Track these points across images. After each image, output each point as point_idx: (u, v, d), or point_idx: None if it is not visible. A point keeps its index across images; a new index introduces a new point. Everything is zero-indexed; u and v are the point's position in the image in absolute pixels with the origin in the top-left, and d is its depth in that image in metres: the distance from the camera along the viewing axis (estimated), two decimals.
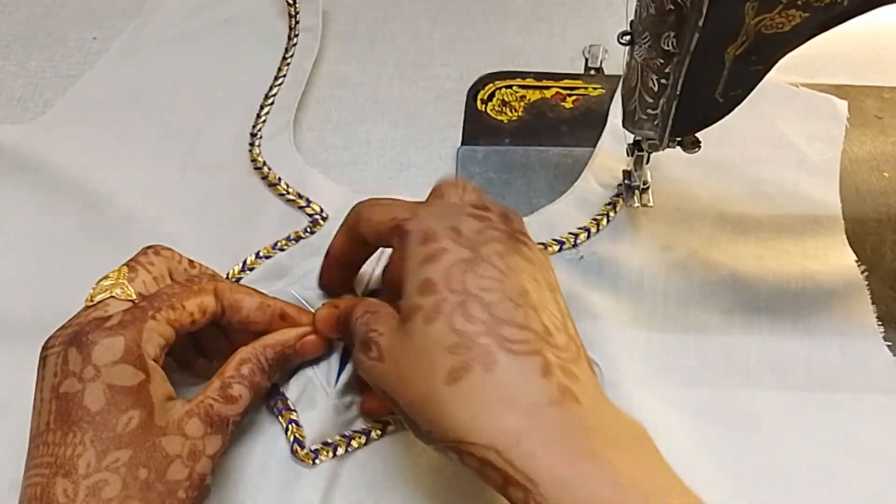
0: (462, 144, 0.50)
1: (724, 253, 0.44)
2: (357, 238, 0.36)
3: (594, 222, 0.45)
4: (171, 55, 0.55)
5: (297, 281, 0.41)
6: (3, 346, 0.41)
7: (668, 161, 0.47)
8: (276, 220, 0.45)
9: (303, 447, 0.36)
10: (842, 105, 0.51)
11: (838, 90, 0.52)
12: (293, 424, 0.36)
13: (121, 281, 0.34)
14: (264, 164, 0.48)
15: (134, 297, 0.33)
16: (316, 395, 0.37)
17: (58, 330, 0.32)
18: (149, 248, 0.36)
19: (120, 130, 0.50)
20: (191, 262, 0.37)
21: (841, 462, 0.37)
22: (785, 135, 0.50)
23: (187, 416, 0.31)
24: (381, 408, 0.37)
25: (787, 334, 0.41)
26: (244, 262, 0.43)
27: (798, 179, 0.47)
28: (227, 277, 0.41)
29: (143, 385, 0.30)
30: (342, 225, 0.37)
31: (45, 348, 0.32)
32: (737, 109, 0.49)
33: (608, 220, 0.45)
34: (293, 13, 0.56)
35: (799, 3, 0.30)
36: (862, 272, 0.43)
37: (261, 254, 0.43)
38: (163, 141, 0.50)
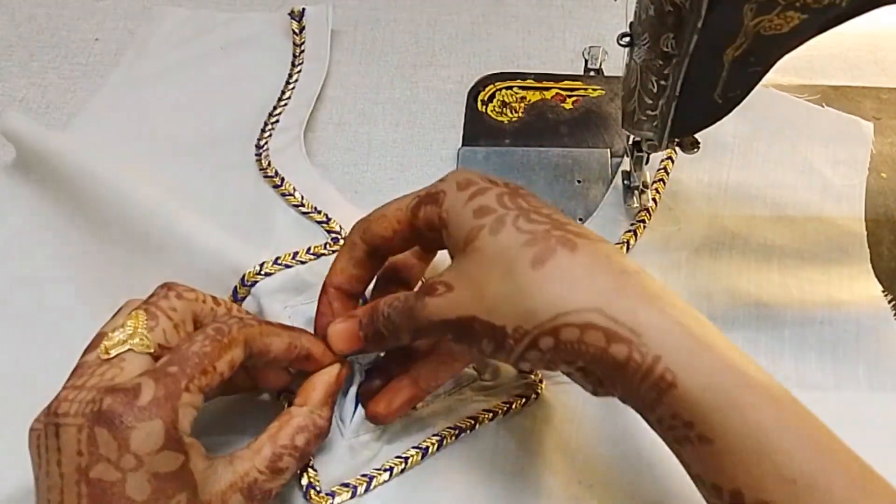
0: (462, 145, 0.50)
1: (748, 281, 0.43)
2: (364, 255, 0.35)
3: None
4: (171, 81, 0.54)
5: (317, 299, 0.40)
6: (23, 343, 0.41)
7: (690, 186, 0.47)
8: (292, 231, 0.45)
9: (318, 491, 0.35)
10: (867, 127, 0.50)
11: (836, 91, 0.52)
12: (308, 469, 0.35)
13: (139, 331, 0.31)
14: (276, 173, 0.47)
15: (153, 349, 0.31)
16: (332, 436, 0.36)
17: (69, 390, 0.29)
18: (169, 289, 0.33)
19: (129, 145, 0.50)
20: (214, 299, 0.35)
21: None
22: (808, 159, 0.49)
23: (230, 489, 0.30)
24: (388, 413, 0.35)
25: (812, 363, 0.41)
26: (261, 266, 0.41)
27: (822, 205, 0.46)
28: (244, 279, 0.40)
29: (185, 465, 0.29)
30: (340, 251, 0.36)
31: (56, 414, 0.28)
32: (760, 133, 0.50)
33: (628, 248, 0.44)
34: (298, 42, 0.56)
35: (797, 4, 0.30)
36: (889, 302, 0.42)
37: (280, 261, 0.41)
38: (172, 153, 0.50)
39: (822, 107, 0.51)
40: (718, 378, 0.26)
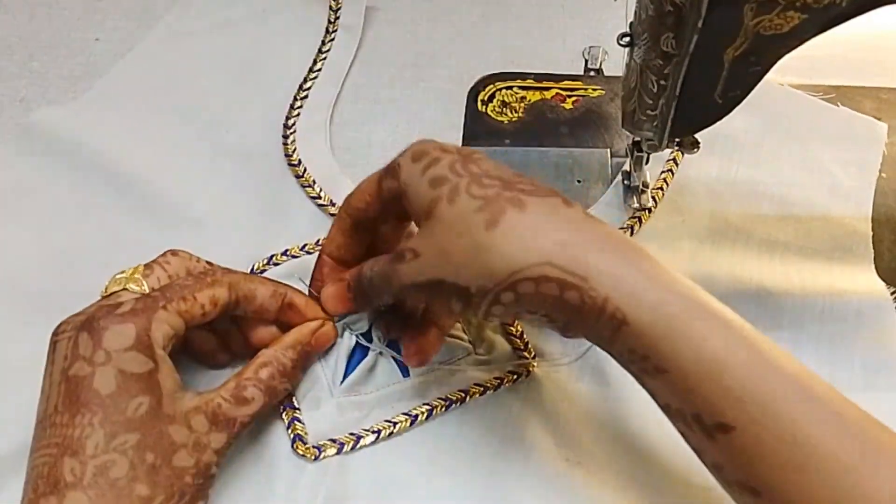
0: (463, 145, 0.50)
1: (749, 269, 0.43)
2: (350, 227, 0.37)
3: None
4: (206, 44, 0.55)
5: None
6: (32, 320, 0.41)
7: (697, 179, 0.47)
8: (307, 223, 0.45)
9: (305, 443, 0.36)
10: (881, 128, 0.50)
11: (836, 91, 0.52)
12: (296, 422, 0.37)
13: (135, 276, 0.35)
14: (300, 162, 0.48)
15: (146, 291, 0.34)
16: (321, 393, 0.38)
17: (69, 317, 0.33)
18: (167, 251, 0.37)
19: (153, 116, 0.51)
20: (208, 263, 0.38)
21: None
22: (818, 158, 0.48)
23: (194, 411, 0.32)
24: (425, 352, 0.37)
25: (809, 352, 0.41)
26: (271, 258, 0.43)
27: (829, 204, 0.46)
28: (252, 271, 0.42)
29: (153, 373, 0.31)
30: (333, 224, 0.38)
31: (55, 333, 0.33)
32: (770, 130, 0.49)
33: (631, 235, 0.44)
34: (334, 6, 0.56)
35: (797, 4, 0.30)
36: (892, 294, 0.42)
37: (289, 252, 0.43)
38: (195, 128, 0.50)
39: (837, 106, 0.51)
40: (665, 310, 0.28)
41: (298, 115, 0.50)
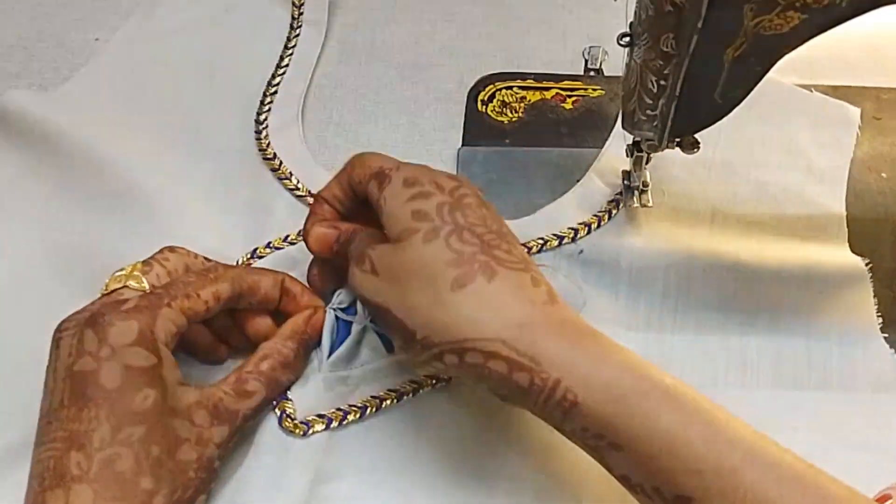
0: (462, 145, 0.50)
1: (724, 253, 0.44)
2: (347, 185, 0.37)
3: (595, 218, 0.45)
4: (174, 42, 0.55)
5: (305, 275, 0.42)
6: (19, 312, 0.42)
7: (674, 161, 0.47)
8: (287, 215, 0.46)
9: (293, 419, 0.36)
10: (854, 112, 0.51)
11: (836, 91, 0.52)
12: (283, 399, 0.37)
13: (135, 273, 0.35)
14: (275, 156, 0.48)
15: (147, 288, 0.34)
16: (308, 370, 0.38)
17: (72, 314, 0.33)
18: (165, 247, 0.38)
19: (125, 117, 0.51)
20: (206, 259, 0.39)
21: (837, 455, 0.37)
22: (794, 140, 0.49)
23: (196, 405, 0.33)
24: (323, 280, 0.39)
25: (786, 333, 0.41)
26: (254, 251, 0.43)
27: (805, 185, 0.47)
28: (237, 264, 0.43)
29: (157, 368, 0.32)
30: (337, 174, 0.38)
31: (58, 330, 0.33)
32: (748, 113, 0.49)
33: (610, 217, 0.45)
34: (297, 2, 0.56)
35: (797, 4, 0.30)
36: (866, 264, 0.43)
37: (272, 244, 0.44)
38: (168, 128, 0.50)
39: (811, 91, 0.52)
40: (617, 391, 0.28)
41: (269, 109, 0.51)
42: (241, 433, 0.35)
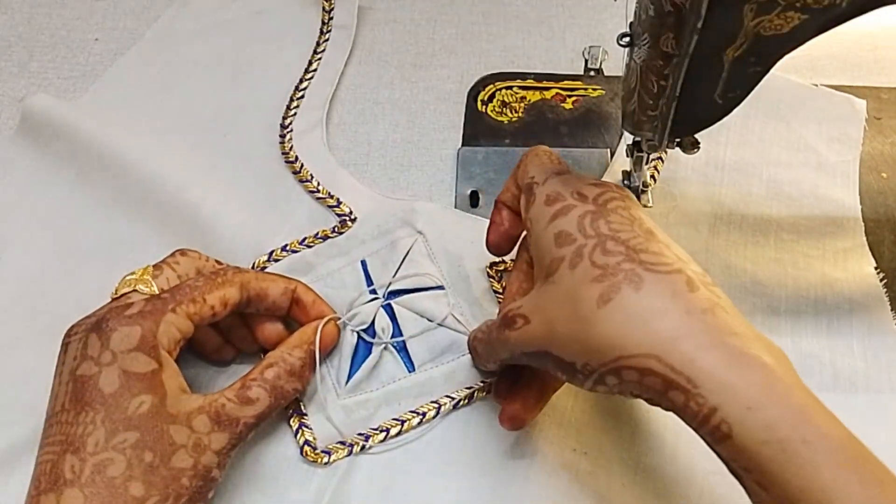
0: (462, 145, 0.50)
1: (743, 258, 0.44)
2: (516, 184, 0.37)
3: None
4: (203, 44, 0.55)
5: (320, 279, 0.42)
6: (32, 312, 0.42)
7: (688, 163, 0.47)
8: (306, 218, 0.46)
9: (314, 448, 0.36)
10: (860, 105, 0.51)
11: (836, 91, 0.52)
12: (304, 428, 0.37)
13: (145, 277, 0.35)
14: (297, 158, 0.48)
15: (156, 292, 0.34)
16: (327, 395, 0.38)
17: (81, 319, 0.33)
18: (176, 250, 0.37)
19: (151, 117, 0.51)
20: (217, 262, 0.38)
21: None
22: (803, 137, 0.49)
23: (197, 411, 0.32)
24: (523, 413, 0.35)
25: (808, 337, 0.41)
26: (270, 254, 0.43)
27: (817, 181, 0.47)
28: (253, 267, 0.42)
29: (156, 373, 0.32)
30: (512, 172, 0.38)
31: (67, 335, 0.33)
32: (755, 112, 0.50)
33: None
34: (327, 8, 0.56)
35: (797, 4, 0.30)
36: (881, 279, 0.43)
37: (288, 247, 0.44)
38: (193, 128, 0.50)
39: (816, 86, 0.52)
40: (777, 434, 0.25)
41: (295, 114, 0.51)
42: (244, 442, 0.34)
